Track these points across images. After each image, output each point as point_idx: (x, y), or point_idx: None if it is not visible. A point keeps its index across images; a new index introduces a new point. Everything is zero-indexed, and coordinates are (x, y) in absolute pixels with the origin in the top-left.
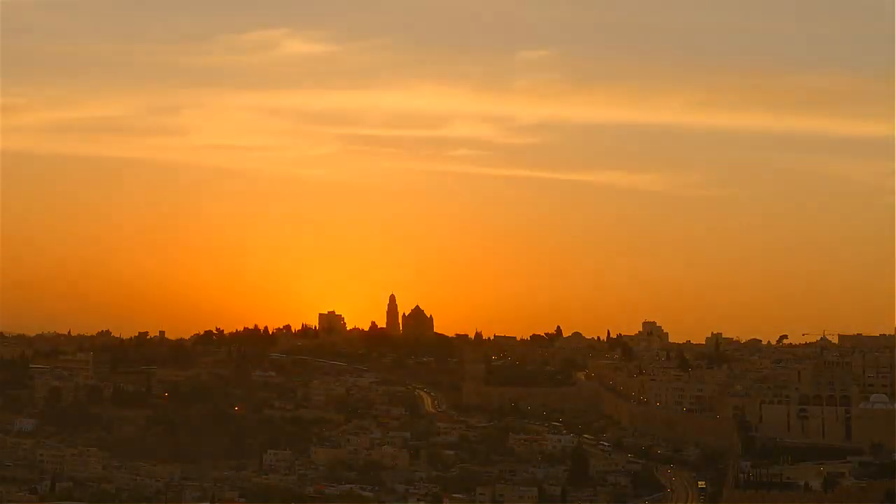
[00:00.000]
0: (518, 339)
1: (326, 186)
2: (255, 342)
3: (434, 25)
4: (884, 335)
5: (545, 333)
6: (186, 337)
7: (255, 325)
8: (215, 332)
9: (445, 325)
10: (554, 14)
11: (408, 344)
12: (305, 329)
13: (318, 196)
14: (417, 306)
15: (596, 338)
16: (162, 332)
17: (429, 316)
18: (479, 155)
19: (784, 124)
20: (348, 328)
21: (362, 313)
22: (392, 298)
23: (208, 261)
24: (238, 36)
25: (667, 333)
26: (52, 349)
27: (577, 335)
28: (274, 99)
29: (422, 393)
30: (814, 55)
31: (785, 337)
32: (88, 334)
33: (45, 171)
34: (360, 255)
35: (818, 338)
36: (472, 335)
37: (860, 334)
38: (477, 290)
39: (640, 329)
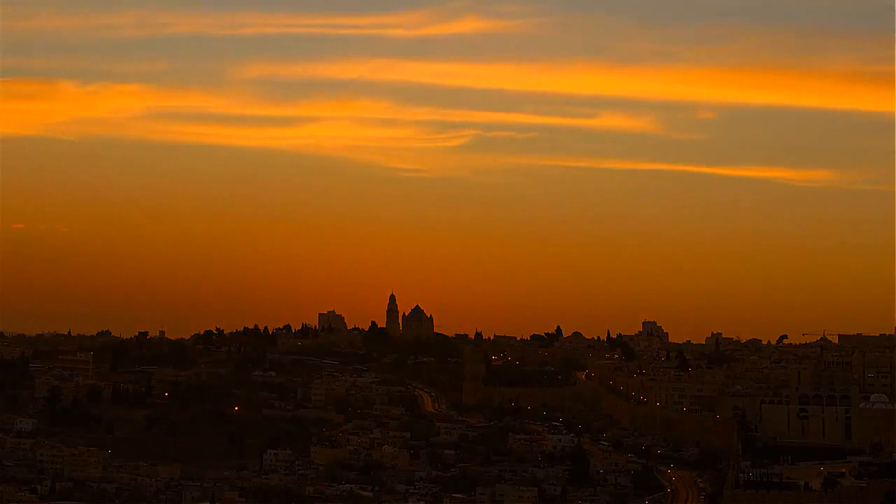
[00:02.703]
0: (518, 339)
1: (412, 182)
2: (255, 342)
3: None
4: (884, 335)
5: (545, 333)
6: (186, 337)
7: (255, 325)
8: (215, 332)
9: (445, 325)
10: None
11: (408, 344)
12: (305, 329)
13: (383, 192)
14: (417, 306)
15: (596, 338)
16: (162, 332)
17: (429, 316)
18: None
19: None
20: (348, 328)
21: (362, 313)
22: (392, 298)
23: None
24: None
25: (667, 333)
26: (52, 349)
27: (577, 335)
28: (425, 74)
29: (422, 393)
30: None
31: (785, 337)
32: (88, 334)
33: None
34: (362, 253)
35: (818, 338)
36: (472, 335)
37: (860, 334)
38: (483, 291)
39: (640, 329)
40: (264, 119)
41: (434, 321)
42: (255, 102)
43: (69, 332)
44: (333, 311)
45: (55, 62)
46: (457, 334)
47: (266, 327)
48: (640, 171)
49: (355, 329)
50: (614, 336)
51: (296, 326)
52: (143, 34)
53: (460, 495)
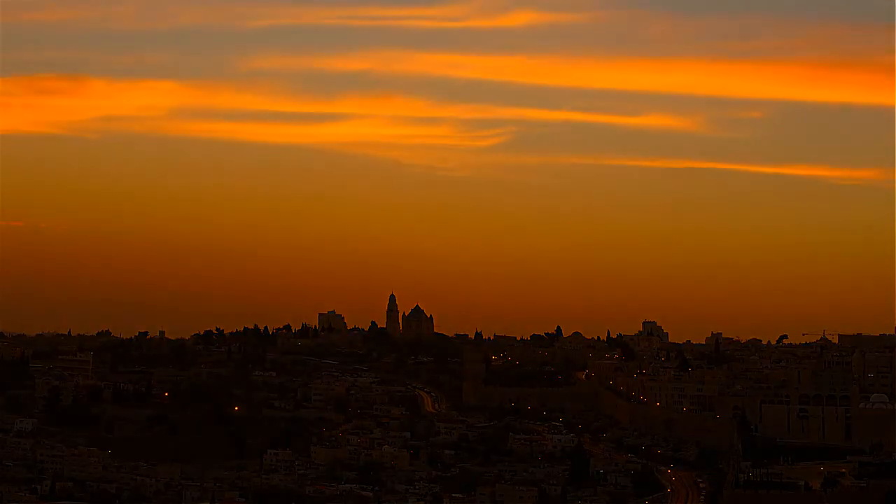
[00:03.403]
0: (518, 339)
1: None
2: (255, 342)
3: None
4: (884, 335)
5: (545, 333)
6: (186, 337)
7: (255, 325)
8: (215, 332)
9: (445, 325)
10: None
11: (408, 344)
12: (305, 329)
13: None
14: (417, 306)
15: (596, 338)
16: (162, 332)
17: (429, 316)
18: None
19: None
20: (348, 328)
21: (362, 313)
22: (392, 298)
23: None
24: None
25: (667, 333)
26: (52, 349)
27: (577, 335)
28: (465, 69)
29: (422, 393)
30: None
31: (785, 337)
32: (88, 334)
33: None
34: (361, 254)
35: (818, 338)
36: (472, 335)
37: (860, 334)
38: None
39: (640, 329)
40: (293, 116)
41: (434, 321)
42: (287, 99)
43: (69, 332)
44: (333, 311)
45: (80, 56)
46: (457, 334)
47: (266, 327)
48: (641, 169)
49: (355, 329)
50: (614, 336)
51: (296, 326)
52: (165, 27)
53: (460, 495)
